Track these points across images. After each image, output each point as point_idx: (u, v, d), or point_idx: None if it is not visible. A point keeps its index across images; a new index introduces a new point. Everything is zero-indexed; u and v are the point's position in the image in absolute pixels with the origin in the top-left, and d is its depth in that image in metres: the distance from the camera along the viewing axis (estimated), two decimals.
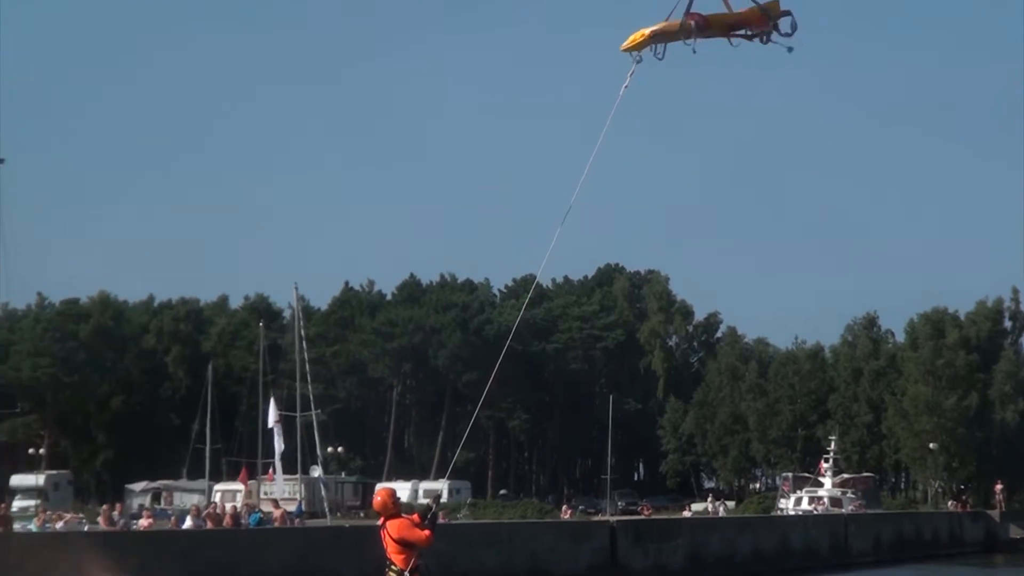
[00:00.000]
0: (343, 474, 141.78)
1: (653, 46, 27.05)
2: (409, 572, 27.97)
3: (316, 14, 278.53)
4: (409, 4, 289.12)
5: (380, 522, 28.77)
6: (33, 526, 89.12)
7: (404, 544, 27.87)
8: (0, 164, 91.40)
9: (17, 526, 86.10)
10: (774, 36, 27.64)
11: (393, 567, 27.90)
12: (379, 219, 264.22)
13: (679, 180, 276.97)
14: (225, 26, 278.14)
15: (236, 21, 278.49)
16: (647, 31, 26.75)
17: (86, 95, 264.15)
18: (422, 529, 28.15)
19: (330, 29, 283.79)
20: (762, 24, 27.47)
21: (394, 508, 28.88)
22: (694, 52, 27.34)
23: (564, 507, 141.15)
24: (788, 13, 27.27)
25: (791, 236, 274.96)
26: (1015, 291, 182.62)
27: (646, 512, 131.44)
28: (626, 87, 27.50)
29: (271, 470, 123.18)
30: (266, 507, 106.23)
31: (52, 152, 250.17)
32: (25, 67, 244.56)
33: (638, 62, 27.16)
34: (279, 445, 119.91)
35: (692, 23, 27.02)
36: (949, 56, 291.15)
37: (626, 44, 26.99)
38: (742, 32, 27.93)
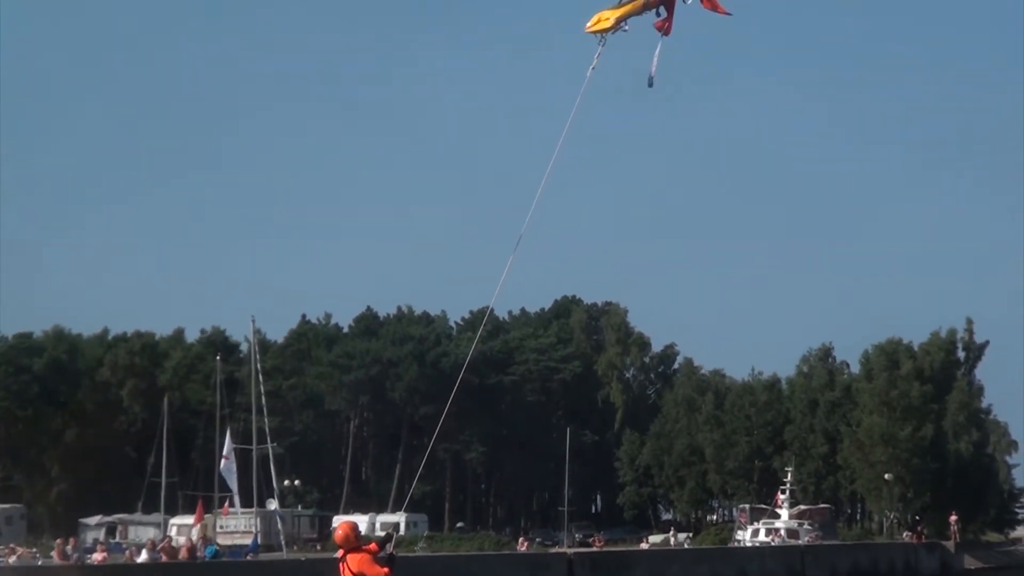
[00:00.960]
0: (300, 507, 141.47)
1: (621, 26, 27.00)
2: None
3: (269, 54, 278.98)
4: (370, 40, 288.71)
5: (339, 554, 28.48)
6: None
7: None
8: None
9: None
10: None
11: None
12: (335, 252, 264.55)
13: (636, 212, 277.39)
14: (184, 64, 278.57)
15: (201, 59, 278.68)
16: (611, 16, 26.79)
17: (41, 128, 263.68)
18: (381, 565, 28.10)
19: (286, 65, 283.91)
20: None
21: (356, 541, 28.68)
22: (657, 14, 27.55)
23: (521, 539, 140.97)
24: None
25: (748, 268, 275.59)
26: (969, 322, 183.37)
27: (598, 544, 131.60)
28: (593, 68, 27.40)
29: (227, 504, 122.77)
30: (223, 540, 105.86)
31: (4, 184, 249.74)
32: None
33: (602, 44, 27.13)
34: (231, 479, 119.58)
35: None
36: (909, 97, 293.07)
37: (590, 26, 26.98)
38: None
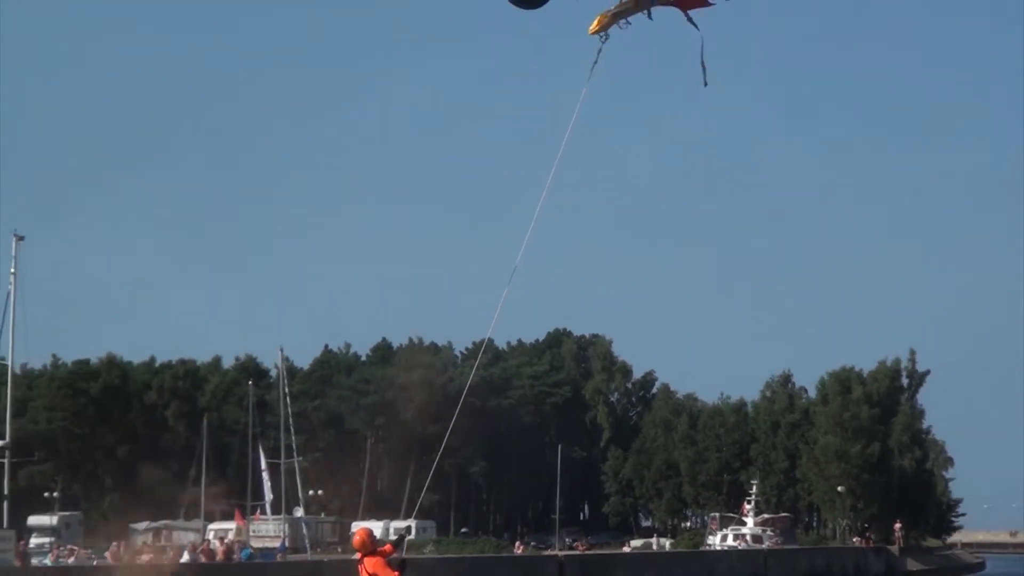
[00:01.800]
0: (322, 514, 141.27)
1: (617, 23, 25.63)
2: None
3: (289, 90, 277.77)
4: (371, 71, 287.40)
5: (358, 557, 28.90)
6: (47, 560, 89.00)
7: None
8: (20, 241, 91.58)
9: (34, 560, 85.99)
10: None
11: None
12: (354, 288, 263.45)
13: (620, 253, 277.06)
14: (193, 100, 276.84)
15: (207, 93, 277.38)
16: (608, 13, 25.45)
17: (97, 171, 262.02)
18: (393, 568, 28.33)
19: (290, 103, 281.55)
20: None
21: (371, 546, 29.02)
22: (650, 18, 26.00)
23: (518, 543, 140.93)
24: None
25: (718, 304, 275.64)
26: (912, 353, 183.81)
27: (580, 548, 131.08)
28: (596, 63, 26.15)
29: (259, 511, 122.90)
30: (256, 543, 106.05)
31: (66, 229, 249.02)
32: (42, 149, 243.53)
33: (604, 41, 25.85)
34: (267, 490, 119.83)
35: None
36: (863, 144, 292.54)
37: (593, 28, 25.78)
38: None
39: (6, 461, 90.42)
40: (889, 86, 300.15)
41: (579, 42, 26.40)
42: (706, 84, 26.16)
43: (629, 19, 25.74)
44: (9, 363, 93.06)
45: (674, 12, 26.15)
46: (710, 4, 25.69)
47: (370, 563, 28.35)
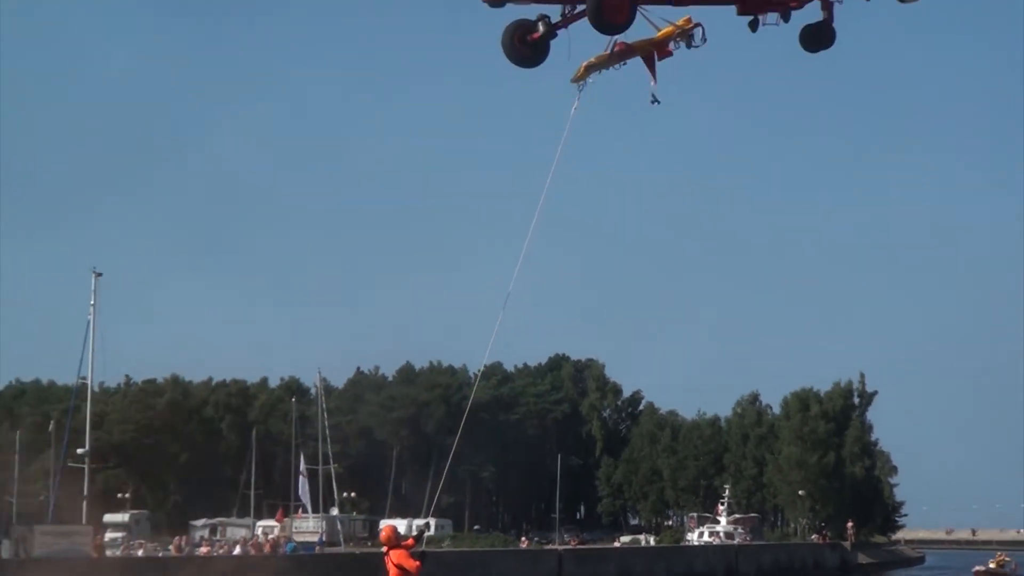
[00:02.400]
0: (354, 513, 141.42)
1: (595, 73, 25.74)
2: None
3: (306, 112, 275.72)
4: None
5: (384, 550, 29.49)
6: (120, 552, 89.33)
7: (401, 569, 28.61)
8: (99, 277, 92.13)
9: (108, 552, 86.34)
10: (695, 41, 25.70)
11: None
12: (381, 316, 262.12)
13: (610, 290, 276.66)
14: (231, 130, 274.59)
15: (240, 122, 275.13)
16: (584, 64, 25.56)
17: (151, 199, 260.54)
18: (415, 558, 28.83)
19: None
20: (680, 37, 25.79)
21: (396, 540, 29.59)
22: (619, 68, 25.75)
23: (523, 539, 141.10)
24: (699, 25, 26.01)
25: (695, 331, 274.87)
26: (862, 376, 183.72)
27: (573, 543, 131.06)
28: (576, 108, 26.20)
29: (299, 510, 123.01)
30: (297, 537, 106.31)
31: (135, 264, 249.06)
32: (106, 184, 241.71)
33: (581, 89, 25.92)
34: (305, 492, 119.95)
35: (615, 49, 25.62)
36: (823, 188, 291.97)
37: (574, 76, 25.87)
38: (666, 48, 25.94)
39: (86, 467, 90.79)
40: (846, 126, 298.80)
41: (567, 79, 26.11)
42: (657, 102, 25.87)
43: (602, 71, 25.70)
44: (89, 383, 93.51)
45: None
46: (670, 54, 25.60)
47: (395, 555, 28.87)
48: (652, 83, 25.76)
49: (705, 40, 25.31)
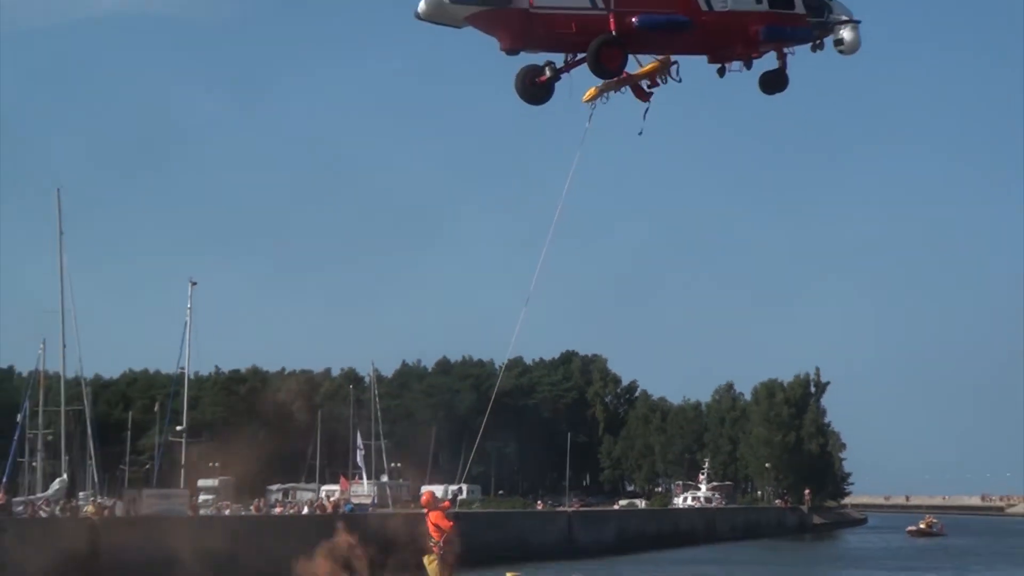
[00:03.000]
0: (400, 480, 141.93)
1: (603, 96, 25.35)
2: (440, 543, 29.43)
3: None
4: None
5: (425, 511, 30.84)
6: (210, 511, 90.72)
7: (438, 528, 29.63)
8: (194, 286, 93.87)
9: (201, 511, 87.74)
10: (670, 80, 25.43)
11: (432, 540, 29.62)
12: (425, 318, 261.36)
13: (609, 299, 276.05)
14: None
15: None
16: (593, 88, 25.11)
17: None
18: (449, 519, 29.87)
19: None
20: (660, 72, 25.42)
21: (434, 503, 31.05)
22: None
23: (539, 502, 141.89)
24: (675, 62, 25.47)
25: (682, 328, 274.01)
26: (817, 369, 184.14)
27: (575, 506, 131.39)
28: (588, 127, 25.82)
29: (356, 477, 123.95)
30: (355, 500, 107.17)
31: (225, 272, 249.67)
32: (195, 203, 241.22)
33: (594, 108, 25.47)
34: (362, 462, 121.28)
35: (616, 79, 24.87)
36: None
37: (584, 97, 25.34)
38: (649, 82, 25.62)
39: (183, 440, 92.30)
40: (816, 133, 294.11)
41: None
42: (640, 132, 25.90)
43: (607, 95, 25.40)
44: (186, 372, 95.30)
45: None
46: (658, 85, 25.43)
47: (433, 515, 29.84)
48: (643, 116, 25.79)
49: (680, 79, 25.36)
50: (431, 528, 29.72)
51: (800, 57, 25.52)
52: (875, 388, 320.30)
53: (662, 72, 25.39)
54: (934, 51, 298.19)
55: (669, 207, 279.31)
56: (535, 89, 24.44)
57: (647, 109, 25.84)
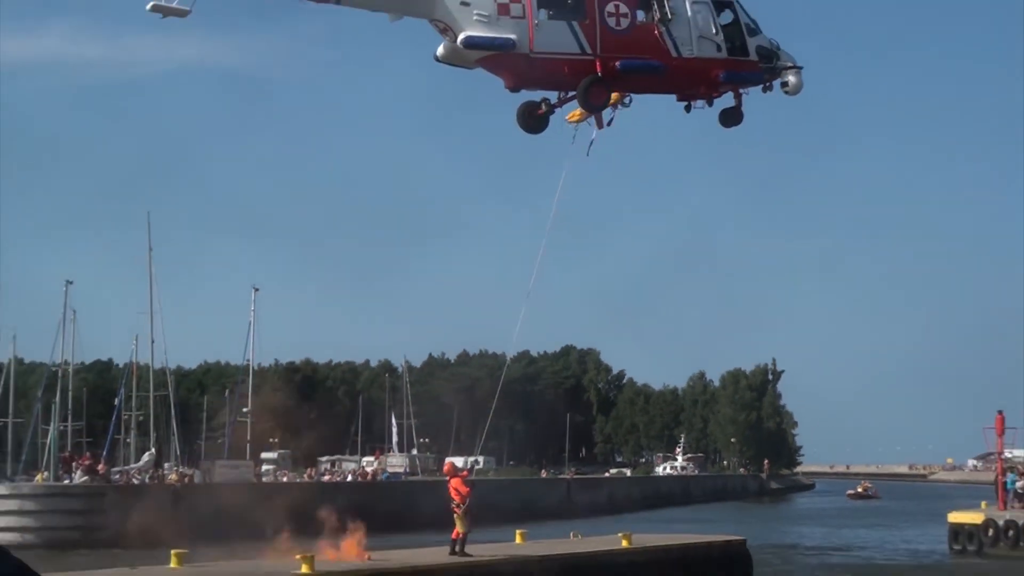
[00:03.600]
0: (427, 453, 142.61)
1: (585, 119, 24.69)
2: (460, 505, 29.80)
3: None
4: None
5: (448, 479, 31.54)
6: (271, 479, 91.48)
7: (458, 491, 29.97)
8: (257, 292, 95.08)
9: (264, 479, 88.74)
10: (627, 102, 24.70)
11: (453, 501, 30.12)
12: (447, 316, 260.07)
13: (604, 300, 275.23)
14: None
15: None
16: (577, 111, 24.28)
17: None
18: (468, 486, 30.27)
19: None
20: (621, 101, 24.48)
21: (455, 471, 31.78)
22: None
23: (542, 471, 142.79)
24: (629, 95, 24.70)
25: (662, 327, 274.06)
26: (774, 360, 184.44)
27: (570, 474, 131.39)
28: (573, 140, 25.28)
29: (391, 451, 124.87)
30: (390, 469, 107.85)
31: (287, 280, 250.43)
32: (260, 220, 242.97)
33: (576, 128, 24.97)
34: (394, 437, 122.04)
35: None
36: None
37: (568, 118, 24.73)
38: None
39: (248, 420, 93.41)
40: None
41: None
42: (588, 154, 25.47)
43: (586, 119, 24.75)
44: (251, 363, 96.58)
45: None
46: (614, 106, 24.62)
47: (455, 482, 30.22)
48: (595, 134, 25.20)
49: (631, 103, 24.83)
50: (452, 492, 30.07)
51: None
52: (822, 376, 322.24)
53: (621, 100, 25.00)
54: (873, 58, 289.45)
55: (658, 217, 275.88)
56: (533, 121, 24.36)
57: (593, 141, 25.45)
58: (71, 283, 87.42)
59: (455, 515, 29.99)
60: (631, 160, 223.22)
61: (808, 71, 25.04)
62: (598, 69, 22.88)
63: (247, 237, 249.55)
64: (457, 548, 30.03)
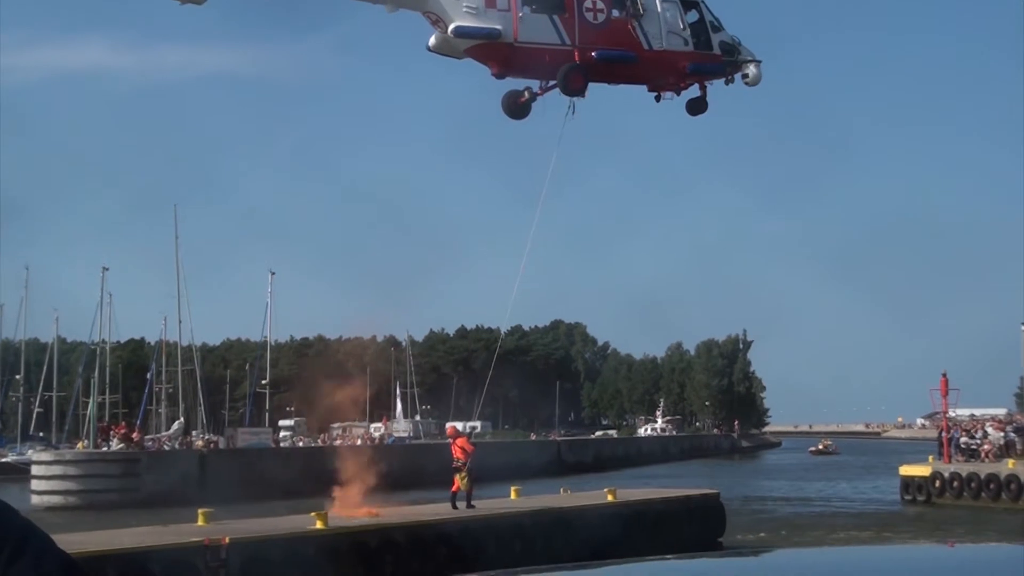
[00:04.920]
0: (429, 419, 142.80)
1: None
2: (463, 465, 30.19)
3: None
4: None
5: (451, 441, 31.80)
6: (288, 444, 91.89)
7: (463, 451, 30.29)
8: (273, 276, 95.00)
9: (282, 444, 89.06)
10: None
11: (458, 460, 30.36)
12: (447, 293, 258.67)
13: (589, 273, 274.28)
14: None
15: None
16: None
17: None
18: (470, 447, 30.63)
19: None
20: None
21: (458, 433, 32.10)
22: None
23: (532, 434, 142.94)
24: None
25: (642, 297, 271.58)
26: (744, 330, 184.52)
27: (555, 436, 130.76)
28: (565, 123, 24.93)
29: (396, 417, 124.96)
30: (396, 434, 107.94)
31: (298, 261, 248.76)
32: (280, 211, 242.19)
33: (569, 112, 24.60)
34: (399, 405, 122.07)
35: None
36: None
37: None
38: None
39: (267, 391, 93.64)
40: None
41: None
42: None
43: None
44: (268, 339, 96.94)
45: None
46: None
47: (460, 441, 30.57)
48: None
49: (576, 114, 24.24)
50: (459, 451, 30.28)
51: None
52: (788, 345, 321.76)
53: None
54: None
55: (638, 200, 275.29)
56: (517, 108, 24.30)
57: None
58: (107, 270, 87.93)
59: (459, 472, 30.19)
60: (628, 150, 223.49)
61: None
62: (576, 59, 22.94)
63: (265, 228, 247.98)
64: (465, 502, 30.39)
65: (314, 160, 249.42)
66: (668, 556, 3.88)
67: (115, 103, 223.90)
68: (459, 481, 30.32)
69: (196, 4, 20.20)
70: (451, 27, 22.37)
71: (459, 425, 55.84)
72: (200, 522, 27.57)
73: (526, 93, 24.21)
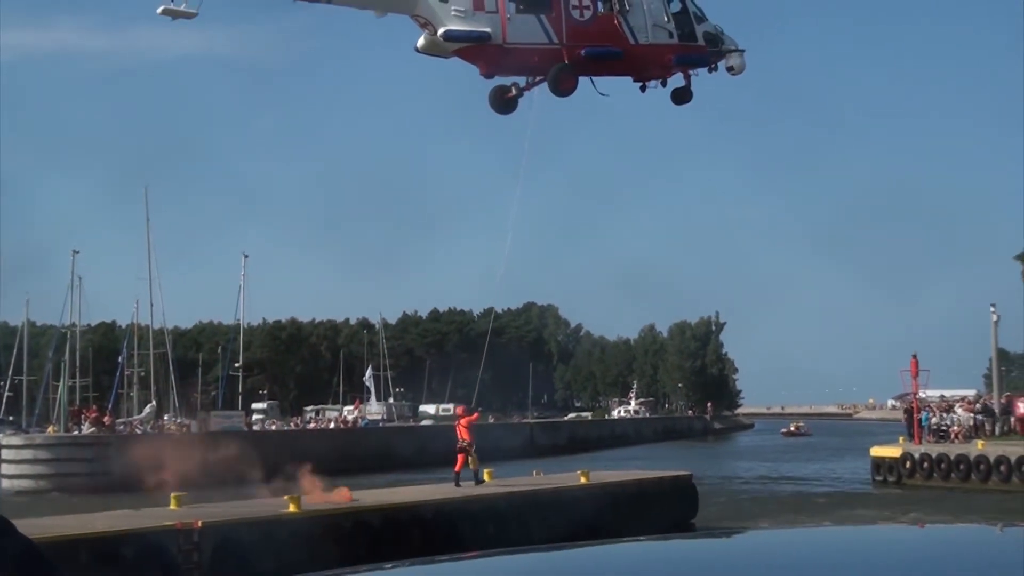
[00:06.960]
0: (403, 402, 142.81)
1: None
2: (469, 445, 30.90)
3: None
4: None
5: (459, 420, 31.77)
6: (261, 427, 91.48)
7: (469, 431, 31.08)
8: (247, 259, 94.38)
9: (255, 427, 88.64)
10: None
11: (465, 441, 30.94)
12: (419, 276, 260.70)
13: (562, 255, 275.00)
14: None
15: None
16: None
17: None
18: (470, 421, 31.37)
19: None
20: None
21: (464, 415, 32.35)
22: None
23: (491, 417, 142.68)
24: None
25: (617, 278, 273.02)
26: (717, 313, 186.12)
27: (520, 417, 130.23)
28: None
29: (369, 400, 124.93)
30: (369, 418, 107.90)
31: (272, 247, 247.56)
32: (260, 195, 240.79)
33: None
34: (372, 388, 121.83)
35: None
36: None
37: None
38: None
39: (240, 375, 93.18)
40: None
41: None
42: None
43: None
44: (241, 322, 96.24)
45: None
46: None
47: (464, 420, 31.40)
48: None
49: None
50: (464, 431, 30.81)
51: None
52: (760, 327, 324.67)
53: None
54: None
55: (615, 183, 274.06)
56: (503, 103, 24.44)
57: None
58: (78, 252, 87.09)
59: (467, 452, 30.88)
60: (604, 129, 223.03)
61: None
62: (565, 57, 23.03)
63: (239, 209, 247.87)
64: (473, 481, 31.18)
65: (290, 141, 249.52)
66: (641, 537, 3.91)
67: (89, 83, 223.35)
68: (468, 460, 30.83)
69: (188, 19, 20.48)
70: (440, 31, 22.47)
71: (430, 408, 55.89)
72: (172, 506, 27.50)
73: (513, 89, 24.36)
